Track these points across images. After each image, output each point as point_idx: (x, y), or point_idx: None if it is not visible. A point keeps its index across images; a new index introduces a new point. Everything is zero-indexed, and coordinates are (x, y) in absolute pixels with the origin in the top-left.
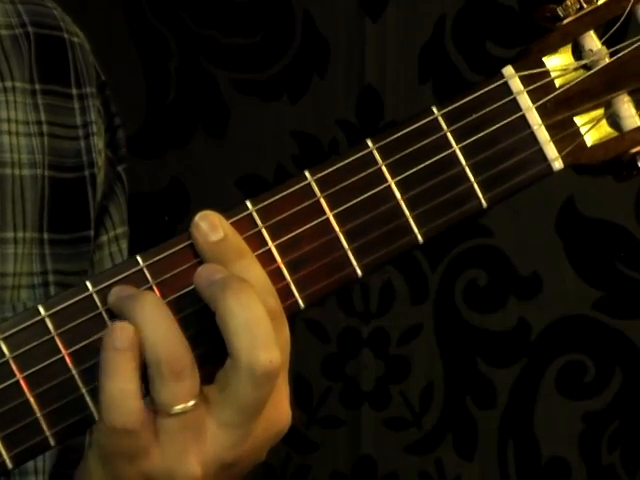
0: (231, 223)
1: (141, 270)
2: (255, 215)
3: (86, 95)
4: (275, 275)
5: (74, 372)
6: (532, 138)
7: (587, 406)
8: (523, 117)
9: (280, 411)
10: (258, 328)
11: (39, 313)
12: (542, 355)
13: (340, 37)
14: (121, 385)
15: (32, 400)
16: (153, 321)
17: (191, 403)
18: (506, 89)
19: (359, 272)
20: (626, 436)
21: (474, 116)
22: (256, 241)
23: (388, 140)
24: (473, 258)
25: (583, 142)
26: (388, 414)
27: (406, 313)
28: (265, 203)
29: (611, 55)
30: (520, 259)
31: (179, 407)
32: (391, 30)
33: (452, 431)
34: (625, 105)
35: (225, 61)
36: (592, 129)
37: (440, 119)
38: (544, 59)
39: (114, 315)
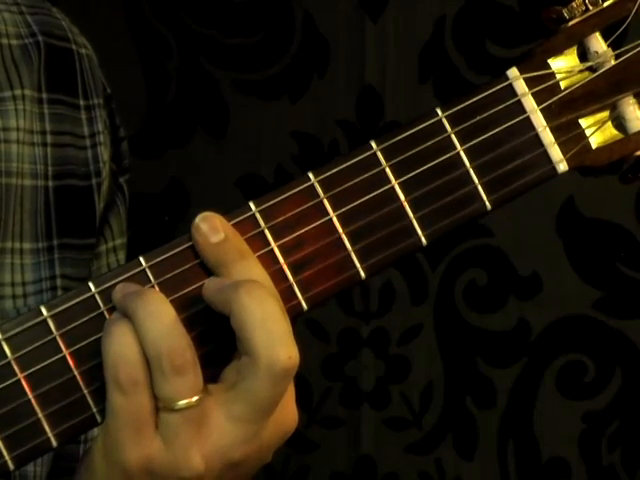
0: (234, 224)
1: (143, 271)
2: (258, 216)
3: (93, 106)
4: (278, 276)
5: (76, 373)
6: (537, 140)
7: (587, 406)
8: (528, 119)
9: (288, 412)
10: (276, 324)
11: (41, 314)
12: (542, 355)
13: (340, 37)
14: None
15: (34, 400)
16: (154, 315)
17: (195, 398)
18: (511, 91)
19: (362, 274)
20: (626, 436)
21: (478, 118)
22: (259, 242)
23: (392, 141)
24: (473, 258)
25: (588, 144)
26: (388, 414)
27: (406, 313)
28: (268, 204)
29: (617, 57)
30: (520, 259)
31: (183, 402)
32: (391, 30)
33: (452, 431)
34: (630, 107)
35: (225, 61)
36: (597, 131)
37: (444, 120)
38: (549, 61)
39: None
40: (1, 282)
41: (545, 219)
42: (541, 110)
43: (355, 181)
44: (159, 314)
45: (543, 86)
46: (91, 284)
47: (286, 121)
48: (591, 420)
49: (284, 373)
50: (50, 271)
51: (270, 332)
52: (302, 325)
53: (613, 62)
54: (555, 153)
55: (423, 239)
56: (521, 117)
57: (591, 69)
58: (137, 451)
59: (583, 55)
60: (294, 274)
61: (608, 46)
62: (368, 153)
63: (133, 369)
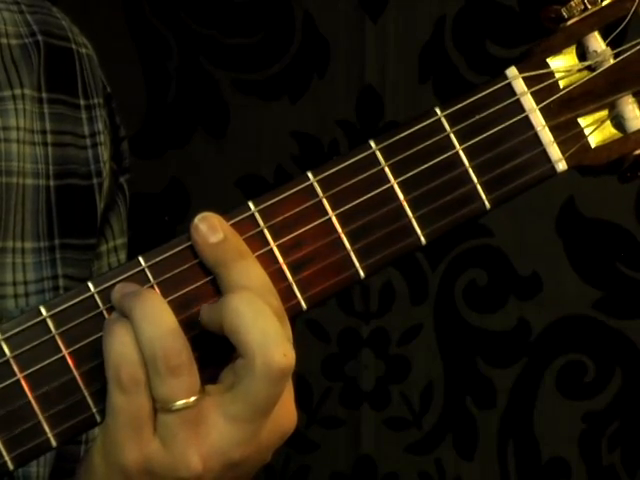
0: (233, 224)
1: (143, 270)
2: (257, 215)
3: (93, 105)
4: (277, 276)
5: (75, 372)
6: (536, 139)
7: (587, 406)
8: (527, 118)
9: (287, 412)
10: (268, 324)
11: (41, 314)
12: (542, 355)
13: (340, 37)
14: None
15: (33, 401)
16: (150, 317)
17: (192, 399)
18: (510, 90)
19: (362, 273)
20: (626, 436)
21: (477, 117)
22: (258, 242)
23: (391, 141)
24: (473, 258)
25: (587, 143)
26: (388, 414)
27: (406, 313)
28: (267, 204)
29: (615, 56)
30: (520, 259)
31: (180, 403)
32: (391, 30)
33: (452, 431)
34: (629, 106)
35: (225, 61)
36: (596, 130)
37: (443, 120)
38: (548, 60)
39: None
40: (3, 282)
41: (545, 219)
42: (540, 109)
43: (354, 180)
44: (155, 315)
45: (542, 85)
46: (90, 284)
47: (286, 121)
48: (591, 420)
49: (280, 372)
50: (52, 271)
51: (263, 332)
52: (302, 325)
53: (612, 61)
54: (554, 152)
55: (422, 238)
56: (520, 116)
57: (590, 68)
58: (136, 451)
59: (582, 54)
60: (293, 274)
61: (607, 45)
62: (367, 152)
63: (134, 369)
